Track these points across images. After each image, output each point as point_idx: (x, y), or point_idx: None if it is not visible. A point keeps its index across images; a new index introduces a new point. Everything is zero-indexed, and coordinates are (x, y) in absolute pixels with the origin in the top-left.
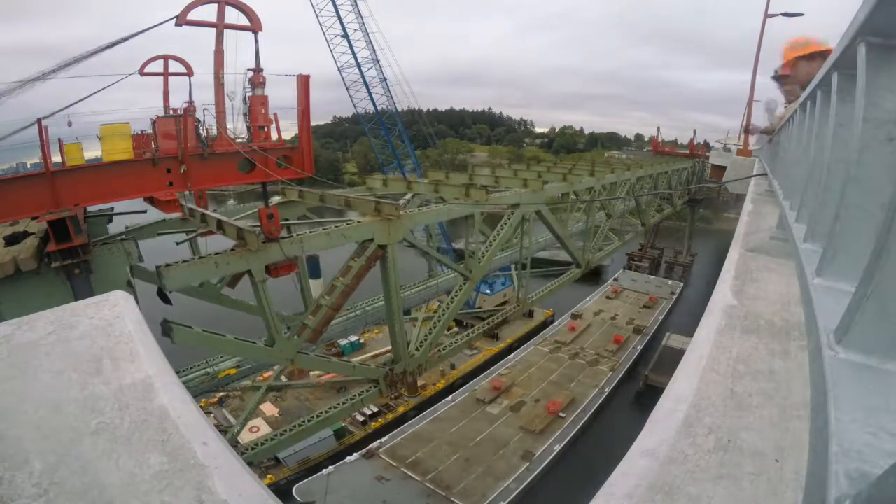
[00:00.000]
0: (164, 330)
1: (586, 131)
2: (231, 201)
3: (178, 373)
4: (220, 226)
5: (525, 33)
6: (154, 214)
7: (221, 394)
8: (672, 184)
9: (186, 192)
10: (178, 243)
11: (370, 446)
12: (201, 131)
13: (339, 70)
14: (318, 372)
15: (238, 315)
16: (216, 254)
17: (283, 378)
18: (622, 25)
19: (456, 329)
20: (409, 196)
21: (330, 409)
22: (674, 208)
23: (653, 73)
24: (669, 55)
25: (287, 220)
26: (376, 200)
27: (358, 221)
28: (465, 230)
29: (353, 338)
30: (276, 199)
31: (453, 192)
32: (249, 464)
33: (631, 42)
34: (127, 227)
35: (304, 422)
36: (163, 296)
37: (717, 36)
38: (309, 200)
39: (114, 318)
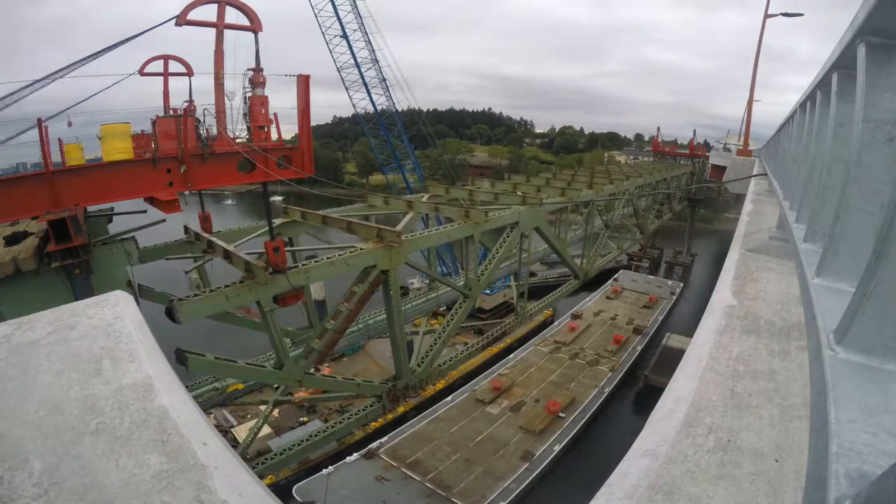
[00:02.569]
0: (179, 359)
1: (586, 131)
2: (229, 201)
3: (187, 387)
4: (227, 255)
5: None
6: (155, 214)
7: None
8: (671, 187)
9: (186, 192)
10: (186, 272)
11: (370, 446)
12: (201, 131)
13: (338, 70)
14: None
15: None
16: (226, 287)
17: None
18: None
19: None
20: (409, 216)
21: (335, 423)
22: (672, 213)
23: None
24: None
25: (290, 238)
26: (378, 227)
27: (361, 248)
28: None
29: None
30: (276, 199)
31: (453, 213)
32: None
33: None
34: (140, 250)
35: (311, 436)
36: (171, 315)
37: None
38: (311, 221)
39: (114, 318)
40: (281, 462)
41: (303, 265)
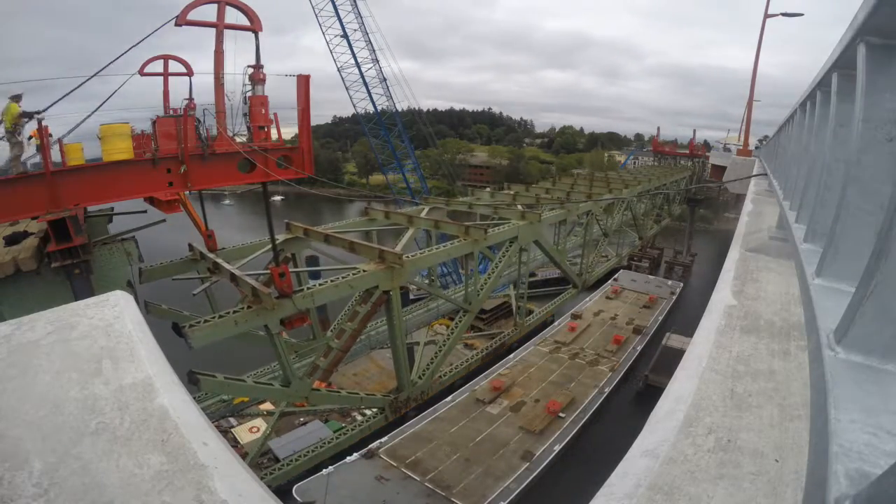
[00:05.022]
0: (192, 380)
1: (586, 131)
2: (227, 202)
3: (194, 398)
4: (234, 279)
5: None
6: (154, 214)
7: None
8: (671, 194)
9: (188, 195)
10: (194, 294)
11: (370, 446)
12: (201, 131)
13: (338, 70)
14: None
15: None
16: (234, 312)
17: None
18: None
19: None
20: (409, 233)
21: (340, 434)
22: (671, 217)
23: None
24: None
25: (293, 254)
26: (380, 248)
27: (363, 270)
28: (468, 220)
29: None
30: (276, 199)
31: (453, 229)
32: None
33: None
34: (146, 270)
35: (316, 447)
36: (178, 330)
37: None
38: (314, 238)
39: (114, 318)
40: (289, 472)
41: (308, 288)
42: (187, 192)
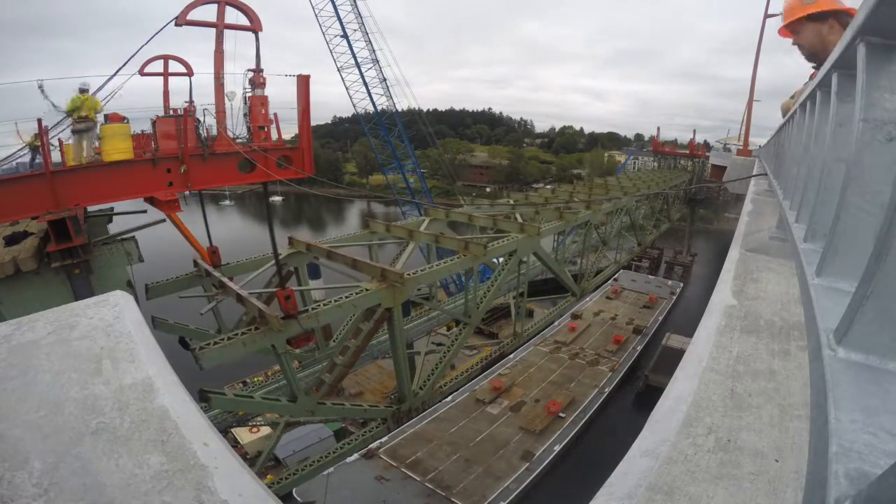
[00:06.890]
0: (202, 398)
1: (586, 131)
2: (227, 202)
3: (201, 407)
4: (240, 299)
5: None
6: (154, 215)
7: None
8: (670, 199)
9: (186, 192)
10: (202, 313)
11: (370, 446)
12: (201, 131)
13: (338, 70)
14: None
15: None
16: (243, 333)
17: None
18: None
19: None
20: (409, 248)
21: (344, 444)
22: (670, 222)
23: None
24: None
25: (296, 268)
26: (382, 267)
27: (366, 289)
28: (467, 231)
29: None
30: (276, 199)
31: (452, 244)
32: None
33: None
34: (150, 287)
35: (321, 458)
36: (184, 344)
37: None
38: (316, 253)
39: (114, 318)
40: (295, 481)
41: (312, 309)
42: (183, 201)
